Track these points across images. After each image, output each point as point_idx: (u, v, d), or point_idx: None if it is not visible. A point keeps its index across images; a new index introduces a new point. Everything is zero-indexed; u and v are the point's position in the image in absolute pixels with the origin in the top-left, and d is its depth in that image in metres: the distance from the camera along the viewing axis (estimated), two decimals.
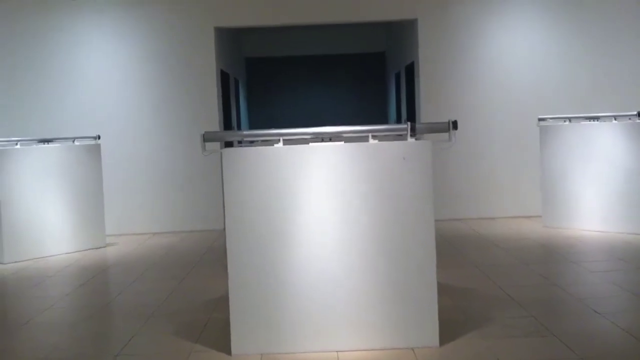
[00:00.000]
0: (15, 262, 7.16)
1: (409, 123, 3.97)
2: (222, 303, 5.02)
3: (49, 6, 8.83)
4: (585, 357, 3.72)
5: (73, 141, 7.84)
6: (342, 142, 3.99)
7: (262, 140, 4.30)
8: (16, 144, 7.40)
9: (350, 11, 9.06)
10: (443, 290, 4.30)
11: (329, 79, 13.91)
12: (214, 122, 8.85)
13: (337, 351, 3.92)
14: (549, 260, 6.36)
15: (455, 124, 4.00)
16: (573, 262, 6.11)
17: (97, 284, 6.21)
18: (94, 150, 7.90)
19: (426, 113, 8.92)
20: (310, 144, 4.00)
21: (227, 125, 9.86)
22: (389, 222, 3.91)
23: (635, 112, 7.38)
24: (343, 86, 13.91)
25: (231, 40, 10.93)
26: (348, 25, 11.64)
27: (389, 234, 3.91)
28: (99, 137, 8.00)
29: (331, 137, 4.16)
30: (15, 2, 8.81)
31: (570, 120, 7.85)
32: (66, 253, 7.55)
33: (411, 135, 3.95)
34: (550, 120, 7.98)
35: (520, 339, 4.08)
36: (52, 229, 7.52)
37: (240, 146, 4.58)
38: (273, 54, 13.47)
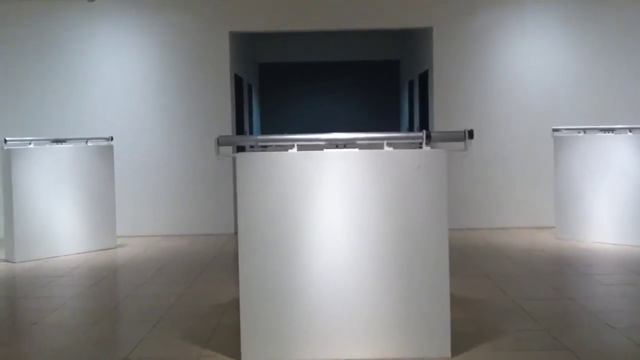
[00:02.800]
0: (26, 261, 7.17)
1: (424, 131, 3.94)
2: (231, 308, 5.00)
3: (64, 10, 8.87)
4: None
5: (86, 142, 7.86)
6: (357, 149, 3.97)
7: (276, 146, 4.28)
8: (29, 144, 7.43)
9: (365, 18, 9.05)
10: (454, 301, 4.26)
11: (342, 85, 13.89)
12: (227, 127, 8.85)
13: (347, 359, 3.88)
14: (561, 273, 6.30)
15: (471, 133, 3.96)
16: (586, 274, 6.05)
17: (106, 286, 6.21)
18: (106, 151, 7.92)
19: (439, 121, 8.88)
20: (325, 150, 3.98)
21: (239, 130, 9.87)
22: (402, 230, 3.87)
23: None
24: (356, 93, 13.89)
25: (245, 45, 10.95)
26: (363, 32, 11.63)
27: (401, 243, 3.87)
28: (111, 139, 8.01)
29: (346, 144, 4.13)
30: (31, 6, 8.86)
31: (584, 132, 7.79)
32: (77, 253, 7.56)
33: (426, 144, 3.91)
34: (565, 131, 7.92)
35: (532, 352, 4.03)
36: (64, 229, 7.54)
37: (253, 151, 4.57)
38: (286, 60, 13.47)
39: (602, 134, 7.65)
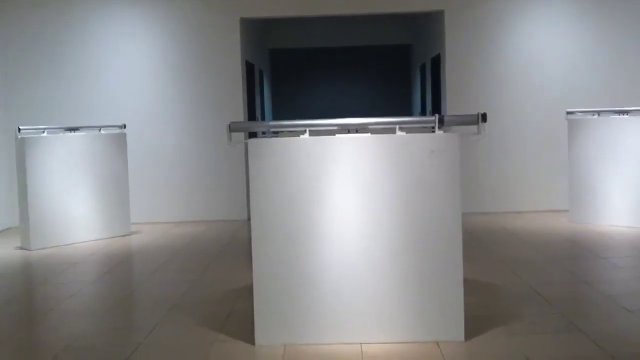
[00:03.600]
0: (42, 248, 7.23)
1: (437, 115, 3.91)
2: (245, 293, 5.02)
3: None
4: (615, 356, 3.64)
5: (99, 130, 7.88)
6: (369, 134, 3.95)
7: (288, 131, 4.27)
8: (43, 132, 7.46)
9: (376, 2, 8.98)
10: (468, 285, 4.24)
11: (354, 70, 13.83)
12: (238, 113, 8.85)
13: (360, 343, 3.89)
14: (576, 256, 6.27)
15: (484, 117, 3.93)
16: (601, 258, 6.01)
17: (121, 272, 6.25)
18: (119, 139, 7.94)
19: (451, 105, 8.83)
20: (337, 135, 3.96)
21: (251, 116, 9.86)
22: (415, 215, 3.86)
23: None
24: (368, 78, 13.83)
25: (256, 31, 10.91)
26: (374, 16, 11.55)
27: (415, 227, 3.86)
28: (124, 126, 8.03)
29: (358, 129, 4.11)
30: None
31: (599, 114, 7.71)
32: (91, 240, 7.61)
33: (439, 128, 3.89)
34: (579, 113, 7.84)
35: (547, 335, 4.01)
36: (78, 216, 7.58)
37: (265, 137, 4.56)
38: (298, 45, 13.41)
39: (616, 116, 7.57)
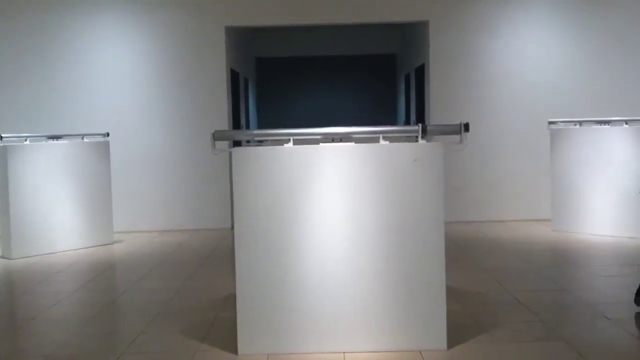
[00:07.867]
0: (23, 257, 7.16)
1: (420, 124, 3.94)
2: (228, 302, 5.00)
3: (61, 4, 8.84)
4: None
5: (82, 138, 7.84)
6: (353, 143, 3.97)
7: (272, 140, 4.28)
8: (25, 140, 7.41)
9: (362, 12, 9.03)
10: (451, 293, 4.27)
11: (339, 79, 13.86)
12: (223, 121, 8.84)
13: (344, 352, 3.90)
14: (558, 265, 6.32)
15: (467, 127, 3.96)
16: (583, 266, 6.07)
17: (104, 281, 6.21)
18: (102, 147, 7.90)
19: (436, 115, 8.88)
20: (321, 144, 3.98)
21: (236, 124, 9.85)
22: (399, 224, 3.88)
23: None
24: (353, 87, 13.87)
25: (242, 39, 10.92)
26: (359, 26, 11.62)
27: (398, 236, 3.88)
28: (108, 135, 8.00)
29: (341, 138, 4.13)
30: (26, 3, 8.81)
31: (581, 124, 7.79)
32: (74, 249, 7.55)
33: (422, 137, 3.92)
34: (561, 123, 7.93)
35: (529, 344, 4.04)
36: (60, 225, 7.52)
37: (249, 145, 4.57)
38: (283, 54, 13.44)
39: (598, 127, 7.65)
